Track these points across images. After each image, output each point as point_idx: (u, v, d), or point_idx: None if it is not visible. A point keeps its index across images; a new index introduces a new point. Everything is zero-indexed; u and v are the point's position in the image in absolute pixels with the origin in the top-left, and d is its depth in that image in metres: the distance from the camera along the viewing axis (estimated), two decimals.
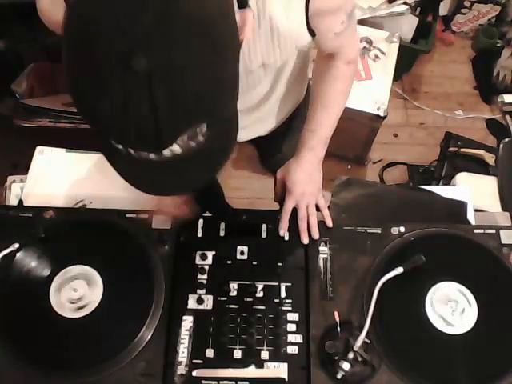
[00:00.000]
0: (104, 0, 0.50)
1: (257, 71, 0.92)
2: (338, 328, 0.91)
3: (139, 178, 0.63)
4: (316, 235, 1.02)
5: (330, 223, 1.04)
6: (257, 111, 1.09)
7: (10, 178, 1.25)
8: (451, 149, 1.85)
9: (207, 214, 1.05)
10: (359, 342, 0.87)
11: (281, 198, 1.09)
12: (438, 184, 1.80)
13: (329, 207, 1.09)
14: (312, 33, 0.84)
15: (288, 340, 0.93)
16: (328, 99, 1.02)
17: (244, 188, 1.89)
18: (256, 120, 1.13)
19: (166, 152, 0.55)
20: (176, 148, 0.55)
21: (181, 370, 0.90)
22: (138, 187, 0.65)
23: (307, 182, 1.05)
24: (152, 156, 0.55)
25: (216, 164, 0.64)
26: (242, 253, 1.02)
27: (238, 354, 0.91)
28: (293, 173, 1.05)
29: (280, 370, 0.90)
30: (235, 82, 0.58)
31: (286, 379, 0.89)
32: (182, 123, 0.53)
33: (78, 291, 0.95)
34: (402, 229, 1.03)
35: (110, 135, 0.55)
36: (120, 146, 0.55)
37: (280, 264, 1.00)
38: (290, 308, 0.95)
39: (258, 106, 1.08)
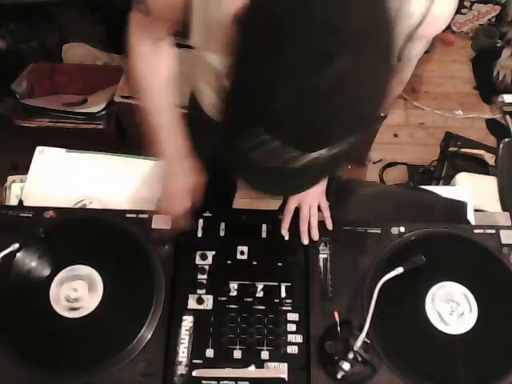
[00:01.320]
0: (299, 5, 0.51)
1: None
2: (338, 328, 0.91)
3: (274, 181, 0.64)
4: (316, 237, 1.02)
5: (330, 226, 1.04)
6: None
7: (10, 178, 1.25)
8: (451, 149, 1.85)
9: (207, 214, 1.05)
10: (359, 342, 0.87)
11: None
12: (438, 184, 1.80)
13: (329, 208, 1.09)
14: None
15: (288, 340, 0.92)
16: None
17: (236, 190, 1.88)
18: None
19: (324, 151, 0.56)
20: (334, 150, 0.56)
21: (181, 370, 0.90)
22: (271, 192, 0.67)
23: None
24: (306, 156, 0.56)
25: (342, 164, 0.66)
26: (242, 253, 1.01)
27: (238, 354, 0.91)
28: None
29: (280, 369, 0.90)
30: None
31: (286, 379, 0.89)
32: (354, 128, 0.55)
33: (77, 291, 0.95)
34: (402, 229, 1.03)
35: (277, 132, 0.55)
36: (277, 143, 0.55)
37: (280, 264, 1.00)
38: (290, 308, 0.95)
39: None
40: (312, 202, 1.04)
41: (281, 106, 0.52)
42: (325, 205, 1.06)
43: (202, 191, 1.03)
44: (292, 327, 0.94)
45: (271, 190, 0.69)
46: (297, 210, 1.04)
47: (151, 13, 0.84)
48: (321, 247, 1.02)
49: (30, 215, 1.03)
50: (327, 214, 1.05)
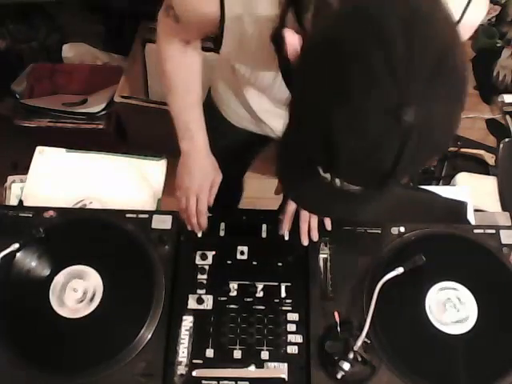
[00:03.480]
0: (378, 48, 0.48)
1: None
2: (338, 328, 0.91)
3: (321, 203, 0.65)
4: (315, 238, 1.02)
5: (329, 226, 1.04)
6: None
7: (10, 178, 1.25)
8: (451, 149, 1.85)
9: (207, 214, 1.05)
10: (359, 342, 0.87)
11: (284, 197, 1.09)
12: (438, 184, 1.80)
13: None
14: None
15: (288, 340, 0.92)
16: None
17: (244, 188, 1.89)
18: None
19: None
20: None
21: (181, 370, 0.90)
22: (314, 210, 0.69)
23: None
24: (355, 188, 0.57)
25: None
26: (242, 253, 1.02)
27: (238, 354, 0.91)
28: None
29: (280, 369, 0.90)
30: None
31: (286, 379, 0.89)
32: (413, 172, 0.56)
33: (77, 291, 0.95)
34: (402, 229, 1.03)
35: (336, 167, 0.55)
36: (328, 176, 0.56)
37: (280, 264, 1.00)
38: (290, 308, 0.95)
39: None
40: None
41: (344, 158, 0.52)
42: None
43: (217, 189, 1.05)
44: (292, 327, 0.94)
45: (331, 212, 0.69)
46: (296, 211, 1.04)
47: (181, 21, 0.86)
48: (321, 247, 1.02)
49: (30, 215, 1.03)
50: None
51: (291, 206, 1.04)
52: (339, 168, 0.55)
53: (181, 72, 0.97)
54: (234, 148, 1.25)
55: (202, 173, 1.03)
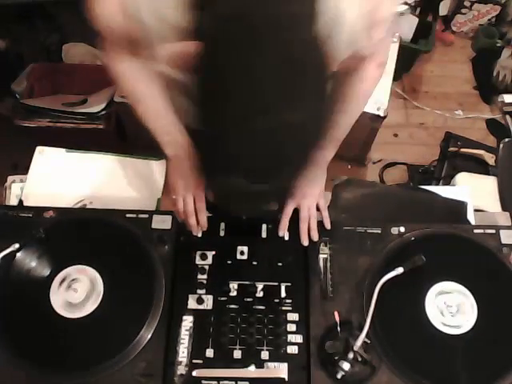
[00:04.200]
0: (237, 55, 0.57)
1: None
2: (338, 328, 0.91)
3: (237, 204, 0.76)
4: (315, 238, 1.02)
5: (328, 225, 1.04)
6: None
7: (10, 178, 1.25)
8: (451, 149, 1.85)
9: (207, 214, 1.05)
10: (359, 342, 0.87)
11: None
12: (437, 184, 1.80)
13: (329, 207, 1.09)
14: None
15: (288, 340, 0.93)
16: (351, 99, 0.99)
17: None
18: None
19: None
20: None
21: (181, 369, 0.90)
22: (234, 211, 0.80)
23: (309, 184, 1.05)
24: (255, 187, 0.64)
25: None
26: (242, 253, 1.02)
27: (238, 354, 0.91)
28: None
29: (280, 369, 0.90)
30: None
31: (286, 379, 0.89)
32: (297, 170, 0.67)
33: (78, 291, 0.95)
34: (402, 229, 1.03)
35: (233, 168, 0.64)
36: (234, 177, 0.64)
37: (280, 264, 1.00)
38: (290, 308, 0.95)
39: None
40: (310, 203, 1.04)
41: (233, 150, 0.61)
42: (323, 205, 1.06)
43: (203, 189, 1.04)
44: (292, 327, 0.94)
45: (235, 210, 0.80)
46: (296, 211, 1.04)
47: (110, 38, 0.88)
48: (321, 247, 1.02)
49: (30, 215, 1.03)
50: (325, 214, 1.05)
51: (288, 208, 1.04)
52: (238, 168, 0.62)
53: (140, 84, 0.97)
54: None
55: (195, 170, 1.02)
